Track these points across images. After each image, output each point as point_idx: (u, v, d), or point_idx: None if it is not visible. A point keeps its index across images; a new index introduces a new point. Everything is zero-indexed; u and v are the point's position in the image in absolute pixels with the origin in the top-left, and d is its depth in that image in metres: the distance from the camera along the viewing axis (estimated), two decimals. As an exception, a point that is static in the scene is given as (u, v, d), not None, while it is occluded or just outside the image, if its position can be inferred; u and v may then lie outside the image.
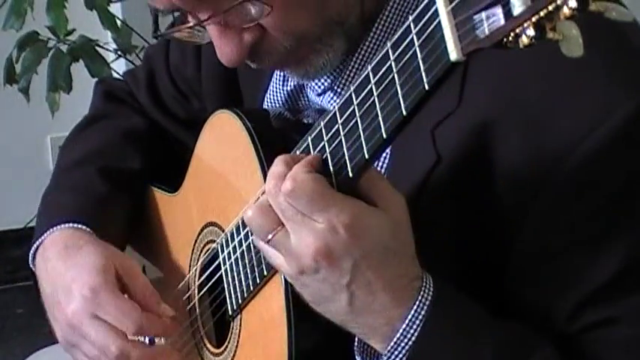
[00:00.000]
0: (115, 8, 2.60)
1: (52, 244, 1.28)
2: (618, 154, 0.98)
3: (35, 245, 1.30)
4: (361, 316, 0.97)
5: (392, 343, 0.97)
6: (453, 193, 1.04)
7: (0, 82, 2.56)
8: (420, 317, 0.96)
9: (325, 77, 1.13)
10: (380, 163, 1.08)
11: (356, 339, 1.01)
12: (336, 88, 1.14)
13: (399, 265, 0.96)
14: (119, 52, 2.65)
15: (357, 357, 1.02)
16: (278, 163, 0.96)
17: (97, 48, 2.57)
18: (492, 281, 1.03)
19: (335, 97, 1.14)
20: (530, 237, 1.01)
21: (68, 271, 1.23)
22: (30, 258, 1.32)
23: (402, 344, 0.97)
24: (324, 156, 0.96)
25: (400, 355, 0.97)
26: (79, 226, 1.29)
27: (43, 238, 1.29)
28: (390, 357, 0.97)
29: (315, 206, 0.93)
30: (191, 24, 1.06)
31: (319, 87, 1.15)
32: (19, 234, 1.34)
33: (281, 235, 0.96)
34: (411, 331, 0.96)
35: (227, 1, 1.01)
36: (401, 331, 0.96)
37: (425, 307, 0.96)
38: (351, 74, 1.12)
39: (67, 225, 1.29)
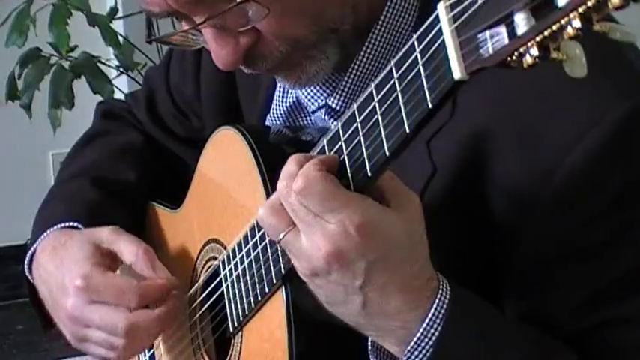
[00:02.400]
0: (117, 25, 2.61)
1: (42, 250, 1.29)
2: (610, 161, 0.98)
3: (29, 256, 1.31)
4: (376, 318, 0.95)
5: (412, 344, 0.95)
6: (450, 204, 1.03)
7: (2, 98, 2.56)
8: (441, 316, 0.94)
9: (319, 94, 1.13)
10: None
11: (369, 341, 1.00)
12: (330, 104, 1.13)
13: (413, 266, 0.94)
14: (121, 69, 2.66)
15: (372, 359, 1.00)
16: (290, 162, 0.94)
17: (99, 64, 2.58)
18: (491, 290, 1.02)
19: (330, 114, 1.13)
20: (529, 247, 1.01)
21: (57, 269, 1.24)
22: (26, 268, 1.32)
23: (423, 344, 0.95)
24: (342, 157, 0.94)
25: (420, 356, 0.95)
26: (69, 224, 1.29)
27: (34, 247, 1.30)
28: (408, 358, 0.96)
29: (327, 206, 0.90)
30: (186, 28, 1.05)
31: (313, 104, 1.14)
32: (19, 250, 1.33)
33: (291, 235, 0.94)
34: (432, 330, 0.94)
35: (224, 3, 1.01)
36: (421, 331, 0.94)
37: (445, 306, 0.94)
38: (345, 90, 1.11)
39: (55, 227, 1.30)
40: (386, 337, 0.97)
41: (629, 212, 1.00)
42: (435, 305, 0.94)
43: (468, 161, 1.02)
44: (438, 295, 0.95)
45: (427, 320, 0.94)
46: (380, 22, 1.08)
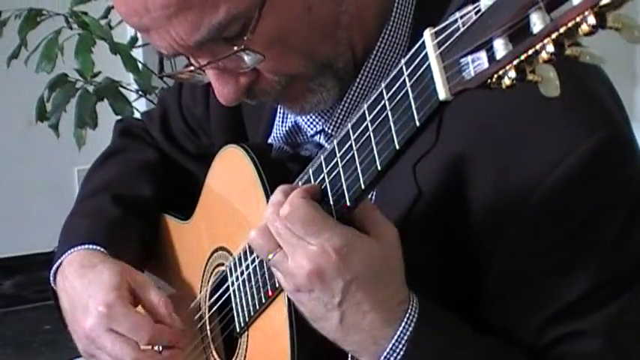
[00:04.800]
0: (137, 53, 2.61)
1: (69, 264, 1.28)
2: (578, 188, 0.97)
3: (55, 266, 1.30)
4: (351, 334, 0.96)
5: (382, 359, 0.96)
6: (433, 225, 1.03)
7: (33, 119, 2.57)
8: (407, 336, 0.95)
9: (317, 120, 1.13)
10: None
11: (349, 356, 1.00)
12: (327, 130, 1.12)
13: (387, 288, 0.95)
14: (140, 92, 2.65)
15: None
16: (277, 193, 0.96)
17: (120, 88, 2.57)
18: (469, 306, 1.02)
19: (327, 139, 1.13)
20: (504, 264, 1.00)
21: (84, 288, 1.23)
22: (51, 277, 1.31)
23: (391, 358, 0.95)
24: (323, 186, 0.95)
25: None
26: (93, 247, 1.28)
27: (61, 259, 1.29)
28: None
29: (308, 229, 0.92)
30: (192, 68, 1.05)
31: (312, 129, 1.14)
32: (47, 257, 1.33)
33: (279, 256, 0.95)
34: (399, 346, 0.95)
35: (223, 49, 1.00)
36: (389, 348, 0.95)
37: (411, 326, 0.95)
38: (340, 117, 1.10)
39: (81, 247, 1.28)
40: (362, 352, 0.97)
41: (595, 234, 0.99)
42: (403, 324, 0.95)
43: (450, 185, 1.02)
44: (407, 315, 0.95)
45: (395, 337, 0.95)
46: (373, 55, 1.08)
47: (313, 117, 1.13)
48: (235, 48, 0.99)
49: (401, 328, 0.95)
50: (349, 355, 1.00)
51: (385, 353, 0.95)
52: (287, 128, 1.19)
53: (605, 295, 0.99)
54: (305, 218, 0.92)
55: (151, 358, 1.19)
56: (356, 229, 0.94)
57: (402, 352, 0.95)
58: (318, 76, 1.06)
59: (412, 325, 0.95)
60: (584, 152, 0.96)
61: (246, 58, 1.00)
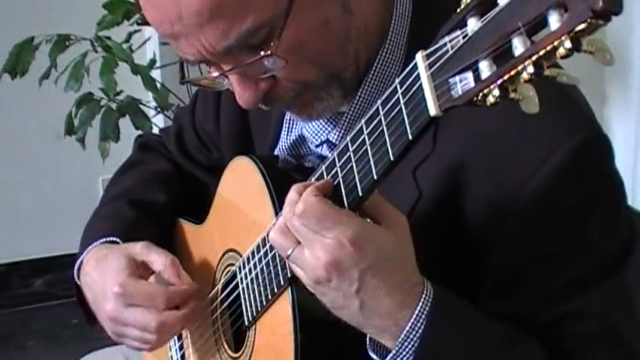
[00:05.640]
0: (155, 73, 2.60)
1: (87, 261, 1.28)
2: (564, 183, 0.97)
3: (77, 264, 1.30)
4: (371, 319, 0.94)
5: (401, 338, 0.93)
6: (433, 223, 1.02)
7: (62, 133, 2.56)
8: (424, 315, 0.93)
9: (322, 130, 1.12)
10: None
11: (368, 337, 0.98)
12: (331, 139, 1.12)
13: (401, 274, 0.92)
14: (158, 109, 2.65)
15: (370, 353, 0.99)
16: (292, 192, 0.93)
17: (140, 106, 2.57)
18: (469, 293, 1.00)
19: (331, 148, 1.12)
20: (500, 257, 1.00)
21: (100, 277, 1.24)
22: (75, 275, 1.31)
23: (411, 337, 0.93)
24: (336, 181, 0.93)
25: (409, 347, 0.93)
26: (110, 238, 1.28)
27: (82, 258, 1.29)
28: (399, 350, 0.94)
29: (323, 224, 0.89)
30: (216, 74, 1.03)
31: (317, 139, 1.13)
32: (74, 257, 1.34)
33: (298, 251, 0.92)
34: (418, 325, 0.93)
35: (247, 55, 0.99)
36: (408, 327, 0.93)
37: (427, 307, 0.93)
38: (343, 128, 1.10)
39: (97, 243, 1.29)
40: (382, 334, 0.95)
41: (581, 226, 0.98)
42: (420, 305, 0.93)
43: (448, 187, 1.01)
44: (423, 297, 0.93)
45: (414, 317, 0.93)
46: (372, 72, 1.07)
47: (319, 127, 1.12)
48: (262, 53, 0.97)
49: (419, 308, 0.93)
50: (367, 337, 0.98)
51: (405, 332, 0.93)
52: (291, 141, 1.18)
53: (596, 278, 0.99)
54: (319, 214, 0.89)
55: (172, 316, 1.19)
56: (368, 220, 0.91)
57: (421, 330, 0.93)
58: (327, 85, 1.05)
59: (429, 304, 0.93)
60: (568, 150, 0.96)
61: (267, 64, 0.99)
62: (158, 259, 1.23)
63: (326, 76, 1.04)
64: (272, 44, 0.97)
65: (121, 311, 1.20)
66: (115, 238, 1.29)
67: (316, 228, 0.90)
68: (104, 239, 1.29)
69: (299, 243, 0.92)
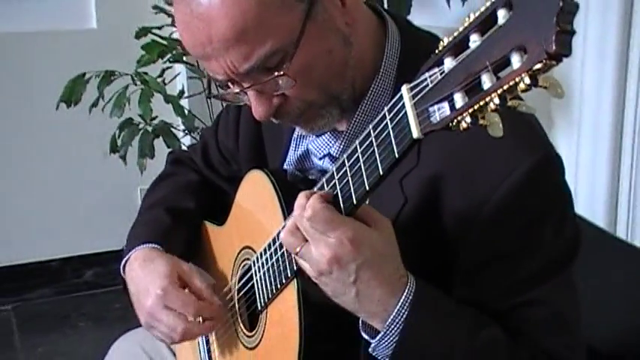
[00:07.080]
0: (184, 102, 2.60)
1: (134, 259, 1.26)
2: (524, 194, 0.96)
3: (124, 261, 1.29)
4: (365, 305, 0.93)
5: (389, 321, 0.93)
6: (416, 225, 1.01)
7: (107, 151, 2.56)
8: (408, 303, 0.93)
9: (325, 145, 1.11)
10: None
11: (360, 320, 0.98)
12: (332, 153, 1.11)
13: (390, 267, 0.92)
14: (186, 131, 2.65)
15: (362, 333, 0.98)
16: (301, 197, 0.93)
17: (172, 129, 2.56)
18: (444, 284, 1.00)
19: (332, 161, 1.11)
20: (468, 254, 0.99)
21: (145, 277, 1.22)
22: (121, 270, 1.30)
23: (397, 320, 0.93)
24: (335, 192, 0.93)
25: (395, 329, 0.93)
26: (152, 245, 1.27)
27: (128, 255, 1.28)
28: (387, 331, 0.94)
29: (328, 226, 0.89)
30: (237, 90, 1.03)
31: (320, 152, 1.12)
32: (117, 254, 1.33)
33: (305, 248, 0.92)
34: (402, 310, 0.93)
35: (264, 75, 0.99)
36: (395, 312, 0.93)
37: (411, 296, 0.93)
38: (342, 144, 1.09)
39: (143, 246, 1.27)
40: (373, 318, 0.95)
41: (537, 229, 0.98)
42: (404, 294, 0.93)
43: (429, 195, 1.00)
44: (407, 286, 0.93)
45: (399, 304, 0.93)
46: (366, 99, 1.07)
47: (322, 143, 1.12)
48: (276, 74, 0.97)
49: (403, 296, 0.93)
50: (360, 320, 0.97)
51: (392, 316, 0.93)
52: (298, 155, 1.17)
53: (549, 272, 0.99)
54: (325, 218, 0.89)
55: (196, 326, 1.18)
56: (362, 223, 0.91)
57: (405, 314, 0.93)
58: (327, 105, 1.04)
59: (412, 294, 0.93)
60: (528, 167, 0.96)
61: (280, 83, 0.99)
62: (197, 283, 1.21)
63: (327, 97, 1.03)
64: (285, 66, 0.97)
65: (158, 310, 1.18)
66: (156, 246, 1.27)
67: (322, 229, 0.90)
68: (148, 244, 1.27)
69: (305, 241, 0.92)
